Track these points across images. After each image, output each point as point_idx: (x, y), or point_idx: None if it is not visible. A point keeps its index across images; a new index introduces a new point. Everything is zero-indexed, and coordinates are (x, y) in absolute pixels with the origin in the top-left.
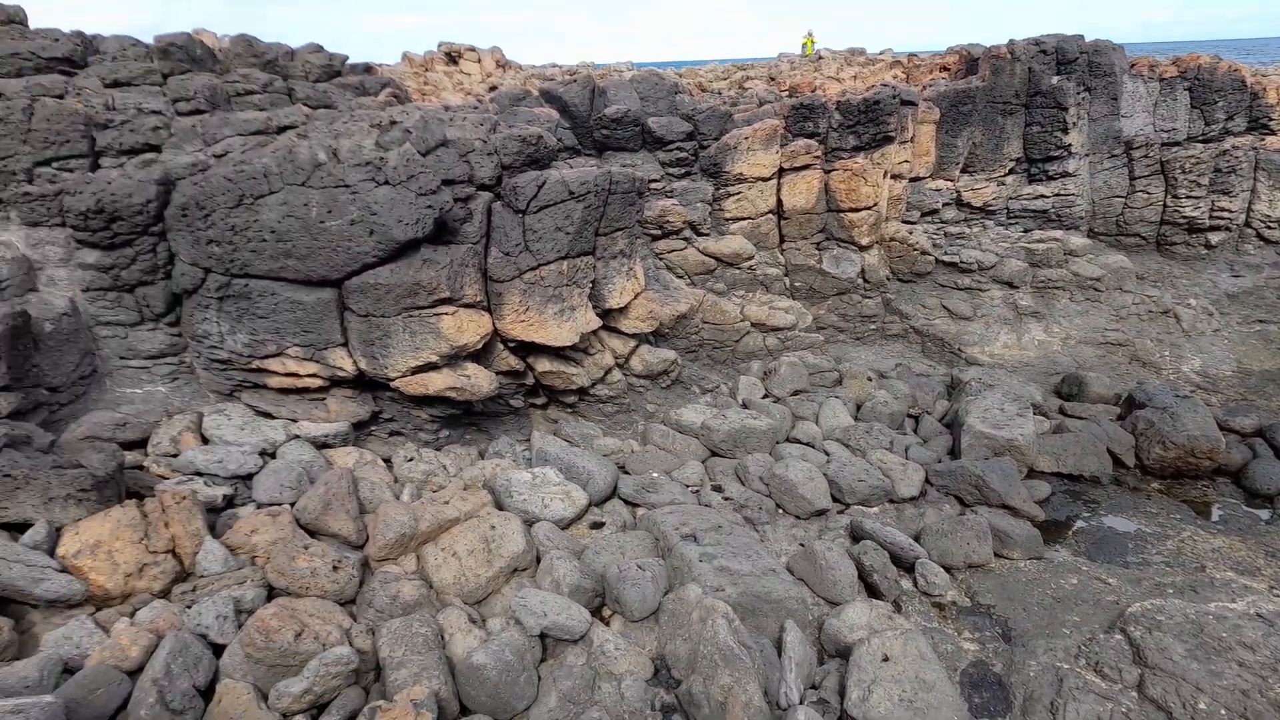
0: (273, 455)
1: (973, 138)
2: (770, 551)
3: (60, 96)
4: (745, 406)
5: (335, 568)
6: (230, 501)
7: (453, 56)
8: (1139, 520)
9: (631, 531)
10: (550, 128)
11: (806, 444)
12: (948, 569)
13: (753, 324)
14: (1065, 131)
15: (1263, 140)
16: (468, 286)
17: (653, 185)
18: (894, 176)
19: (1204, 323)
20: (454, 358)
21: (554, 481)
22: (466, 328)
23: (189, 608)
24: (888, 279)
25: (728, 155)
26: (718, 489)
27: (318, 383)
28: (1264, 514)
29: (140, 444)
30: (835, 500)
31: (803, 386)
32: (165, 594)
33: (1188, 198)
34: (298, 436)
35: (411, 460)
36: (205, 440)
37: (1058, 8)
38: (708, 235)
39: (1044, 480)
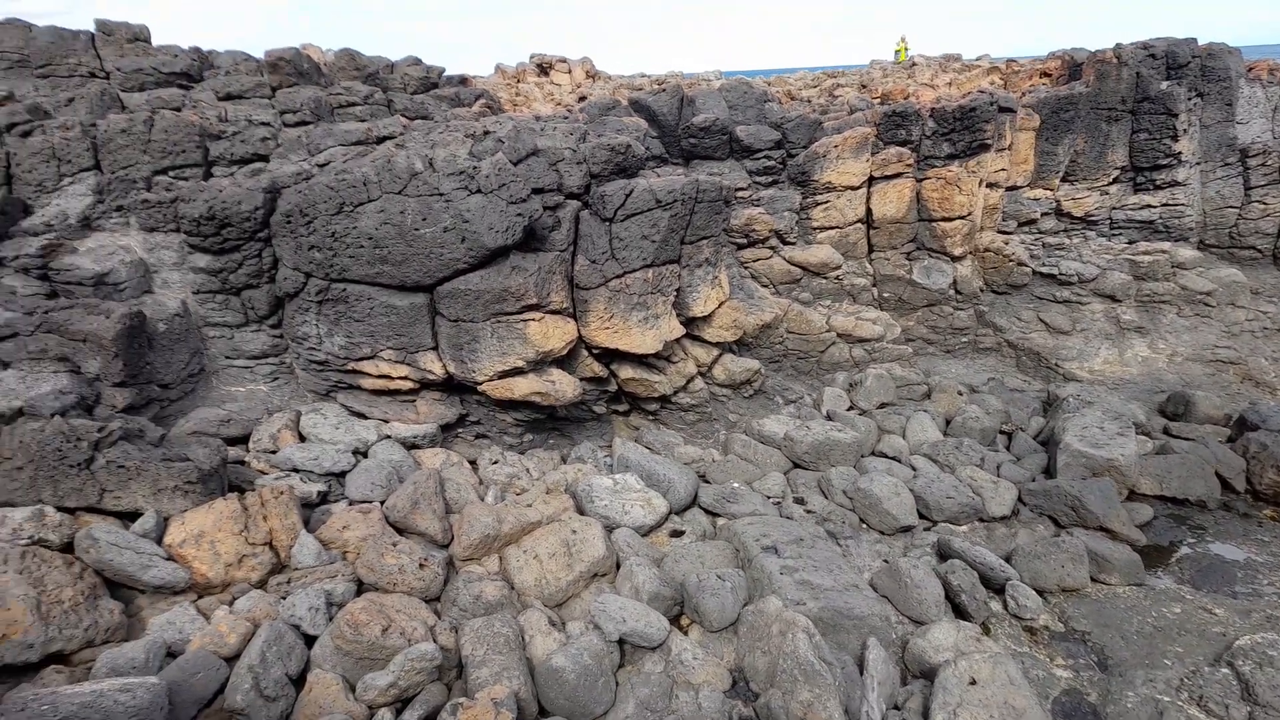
0: (365, 454)
1: (1075, 145)
2: (853, 567)
3: (178, 109)
4: (829, 418)
5: (421, 565)
6: (324, 498)
7: (544, 68)
8: (1249, 548)
9: (711, 541)
10: (638, 137)
11: (893, 458)
12: (1040, 592)
13: (839, 334)
14: (1175, 139)
15: None
16: (554, 293)
17: (739, 194)
18: (990, 185)
19: None
20: (539, 363)
21: (635, 488)
22: (552, 334)
23: (283, 599)
24: (981, 290)
25: (816, 163)
26: (800, 501)
27: (409, 385)
28: None
29: (242, 440)
30: (922, 517)
31: (889, 399)
32: (262, 584)
33: None
34: (389, 437)
35: (496, 463)
36: (302, 438)
37: (1160, 11)
38: (794, 244)
39: (1146, 503)
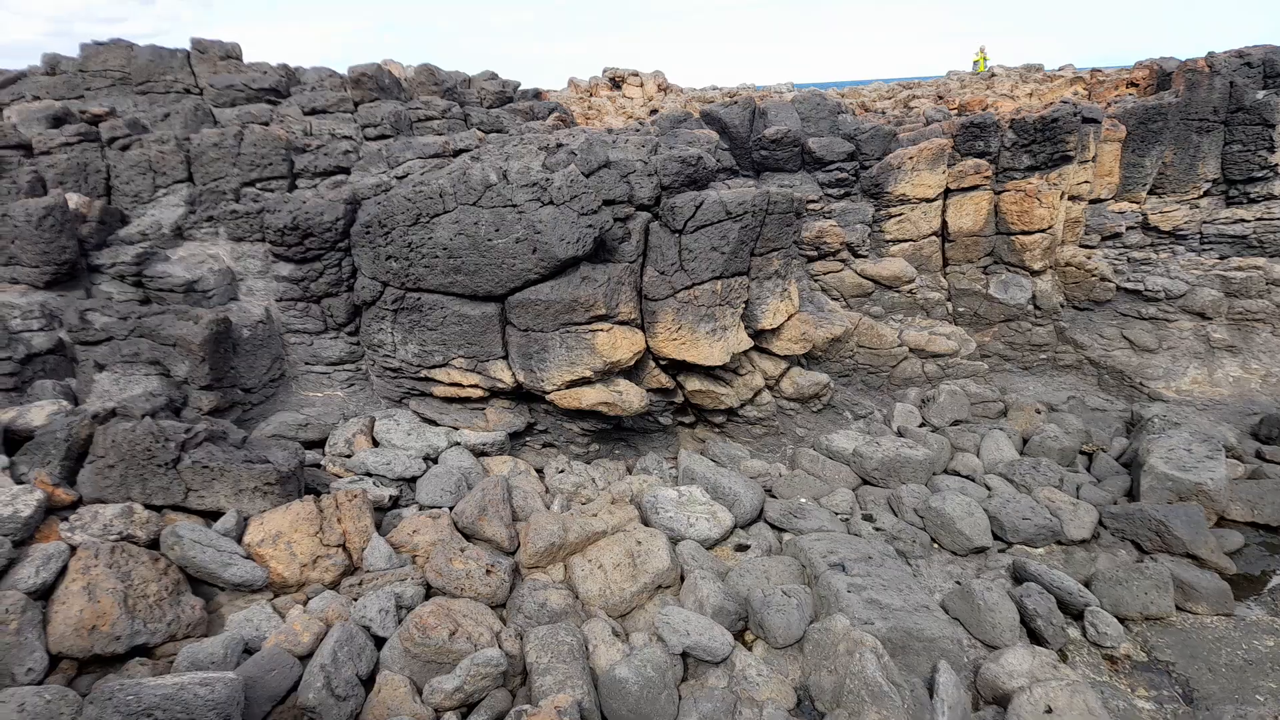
0: (435, 460)
1: (1163, 157)
2: (923, 587)
3: (266, 124)
4: (900, 434)
5: (488, 571)
6: (395, 502)
7: (616, 81)
8: None
9: (777, 556)
10: (709, 149)
11: (966, 477)
12: (1121, 619)
13: (911, 349)
14: (1271, 150)
15: None
16: (623, 304)
17: (810, 206)
18: (1072, 198)
19: None
20: (607, 373)
21: (700, 501)
22: (620, 344)
23: (355, 600)
24: (1061, 306)
25: (890, 175)
26: (868, 518)
27: (478, 393)
28: None
29: (319, 444)
30: (996, 538)
31: (963, 416)
32: (334, 585)
33: None
34: (458, 443)
35: (562, 472)
36: (376, 443)
37: (1248, 19)
38: (865, 257)
39: (1236, 530)
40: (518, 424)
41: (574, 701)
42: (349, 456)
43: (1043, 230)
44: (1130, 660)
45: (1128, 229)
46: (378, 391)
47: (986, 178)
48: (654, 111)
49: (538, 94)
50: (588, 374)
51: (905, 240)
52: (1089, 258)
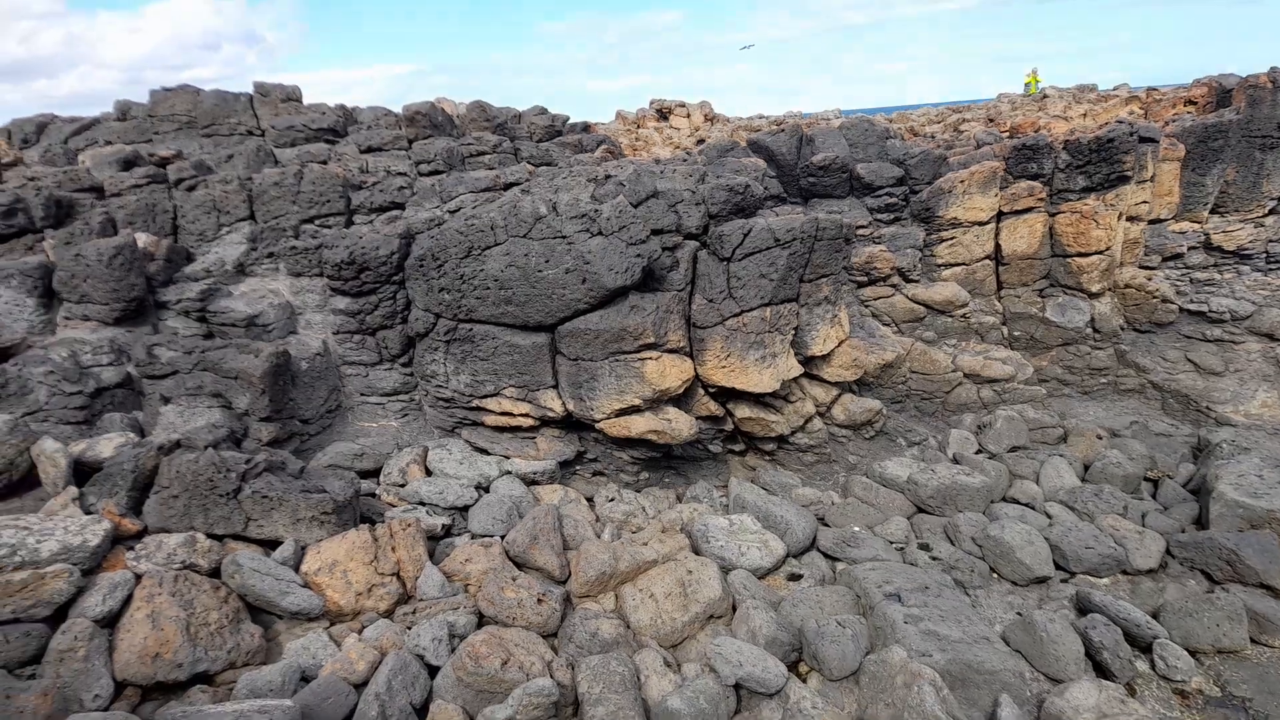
0: (487, 489)
1: (1224, 175)
2: (983, 618)
3: (324, 162)
4: (956, 461)
5: (540, 600)
6: (448, 531)
7: (663, 112)
8: None
9: (830, 586)
10: (757, 177)
11: (1025, 505)
12: (1192, 652)
13: (965, 374)
14: None
15: None
16: (672, 332)
17: (860, 231)
18: (1130, 218)
19: None
20: (656, 401)
21: (751, 529)
22: (669, 372)
23: (409, 628)
24: (1121, 329)
25: (941, 199)
26: (924, 547)
27: (529, 422)
28: None
29: (374, 473)
30: (1058, 568)
31: (1021, 443)
32: (389, 614)
33: None
34: (509, 472)
35: (612, 500)
36: (429, 473)
37: None
38: (916, 282)
39: None
40: (568, 453)
41: None
42: (403, 486)
43: (1100, 252)
44: (1203, 695)
45: (1189, 249)
46: (430, 421)
47: (1040, 200)
48: (701, 141)
49: (586, 127)
50: (637, 402)
51: (957, 264)
52: (1149, 279)
